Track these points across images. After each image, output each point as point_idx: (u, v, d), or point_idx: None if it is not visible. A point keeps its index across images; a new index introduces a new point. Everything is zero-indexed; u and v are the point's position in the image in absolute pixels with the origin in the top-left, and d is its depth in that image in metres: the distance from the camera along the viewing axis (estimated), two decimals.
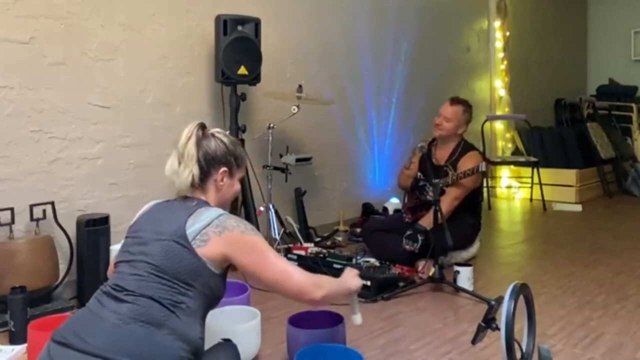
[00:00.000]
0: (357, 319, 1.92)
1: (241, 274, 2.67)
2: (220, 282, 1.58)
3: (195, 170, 1.63)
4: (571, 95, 7.32)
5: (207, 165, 1.66)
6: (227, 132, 1.78)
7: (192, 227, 1.52)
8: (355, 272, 1.86)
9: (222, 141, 1.70)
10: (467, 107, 3.41)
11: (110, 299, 1.45)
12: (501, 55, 6.22)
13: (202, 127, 1.69)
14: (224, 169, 1.68)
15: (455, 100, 3.41)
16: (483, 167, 3.11)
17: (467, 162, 3.30)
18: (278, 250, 3.37)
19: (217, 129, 1.74)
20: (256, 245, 1.56)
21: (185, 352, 1.44)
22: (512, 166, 6.09)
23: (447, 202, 3.20)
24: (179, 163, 1.65)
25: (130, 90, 3.20)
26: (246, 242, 1.55)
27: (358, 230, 4.06)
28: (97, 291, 1.52)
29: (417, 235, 3.12)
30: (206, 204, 1.63)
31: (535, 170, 5.66)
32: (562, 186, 5.77)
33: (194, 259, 1.49)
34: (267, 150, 3.53)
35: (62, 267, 2.84)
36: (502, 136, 6.29)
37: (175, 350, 1.42)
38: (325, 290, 1.60)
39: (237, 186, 1.75)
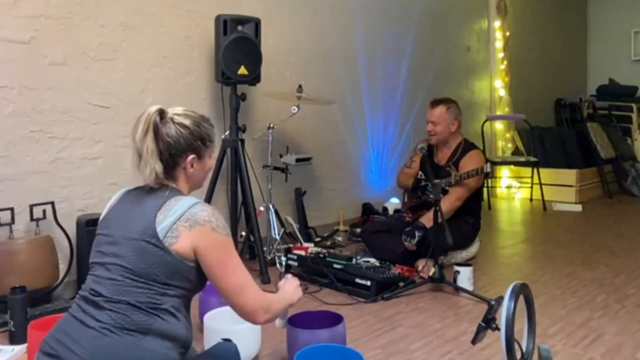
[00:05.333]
0: (283, 323, 1.95)
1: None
2: (199, 272, 1.51)
3: (158, 167, 1.49)
4: (571, 95, 7.32)
5: (171, 157, 1.52)
6: (188, 111, 1.59)
7: (163, 223, 1.43)
8: (296, 282, 1.84)
9: (183, 125, 1.53)
10: (449, 103, 3.41)
11: (90, 305, 1.40)
12: (501, 55, 6.22)
13: (160, 113, 1.52)
14: (191, 156, 1.55)
15: (435, 102, 3.42)
16: (488, 167, 3.13)
17: (469, 161, 3.31)
18: (278, 250, 3.37)
19: (177, 110, 1.57)
20: (224, 247, 1.48)
21: (174, 350, 1.42)
22: (512, 166, 6.10)
23: (449, 202, 3.20)
24: (139, 157, 1.50)
25: (130, 90, 3.21)
26: (215, 240, 1.46)
27: (358, 230, 4.06)
28: (77, 295, 1.47)
29: (414, 232, 3.13)
30: (177, 191, 1.53)
31: (535, 170, 5.66)
32: (562, 186, 5.77)
33: (169, 257, 1.42)
34: (267, 150, 3.53)
35: (62, 267, 2.84)
36: (502, 136, 6.29)
37: (163, 351, 1.39)
38: (270, 315, 1.56)
39: (210, 164, 1.64)
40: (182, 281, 1.45)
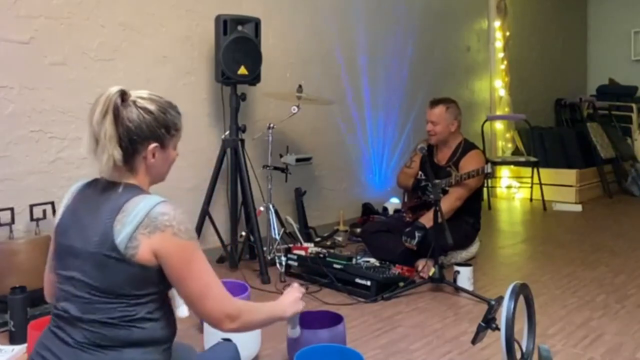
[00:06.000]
0: (295, 332, 1.86)
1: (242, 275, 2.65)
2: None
3: (117, 154, 1.33)
4: (571, 95, 7.32)
5: (132, 144, 1.36)
6: (154, 95, 1.43)
7: (121, 233, 1.29)
8: (298, 294, 1.69)
9: (147, 110, 1.37)
10: (449, 103, 3.42)
11: (65, 323, 1.34)
12: (501, 55, 6.22)
13: (122, 94, 1.36)
14: (153, 144, 1.39)
15: (434, 102, 3.42)
16: (488, 168, 3.13)
17: (469, 161, 3.32)
18: (278, 250, 3.37)
19: (141, 93, 1.41)
20: (186, 252, 1.35)
21: (157, 352, 1.37)
22: (512, 166, 6.10)
23: (449, 202, 3.20)
24: (96, 143, 1.34)
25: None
26: (176, 245, 1.32)
27: (358, 230, 4.06)
28: (53, 309, 1.40)
29: (414, 232, 3.13)
30: (135, 190, 1.37)
31: (535, 170, 5.66)
32: (562, 186, 5.77)
33: (132, 268, 1.30)
34: (267, 150, 3.53)
35: None
36: (502, 136, 6.29)
37: (145, 357, 1.34)
38: (239, 324, 1.41)
39: (173, 154, 1.48)
40: (152, 287, 1.35)
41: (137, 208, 1.31)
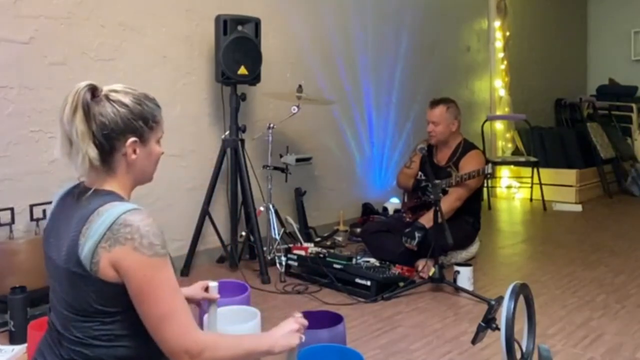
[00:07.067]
0: None
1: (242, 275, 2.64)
2: None
3: (92, 152, 1.23)
4: (571, 95, 7.32)
5: (107, 141, 1.25)
6: (128, 88, 1.33)
7: (85, 246, 1.18)
8: (295, 325, 1.43)
9: (121, 103, 1.27)
10: (449, 103, 3.42)
11: (54, 335, 1.29)
12: (501, 55, 6.22)
13: (92, 89, 1.27)
14: (132, 139, 1.28)
15: (435, 103, 3.43)
16: (489, 169, 3.13)
17: (469, 161, 3.32)
18: (278, 250, 3.37)
19: (115, 87, 1.31)
20: (147, 270, 1.18)
21: None
22: (512, 166, 6.10)
23: (449, 202, 3.20)
24: (70, 144, 1.25)
25: None
26: (136, 262, 1.18)
27: (358, 230, 4.06)
28: (47, 315, 1.36)
29: (414, 233, 3.13)
30: (106, 196, 1.25)
31: (535, 170, 5.66)
32: (562, 186, 5.77)
33: (97, 284, 1.19)
34: (267, 150, 3.53)
35: None
36: (502, 136, 6.29)
37: None
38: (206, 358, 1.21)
39: (158, 150, 1.36)
40: (125, 304, 1.22)
41: (101, 219, 1.19)
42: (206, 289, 1.63)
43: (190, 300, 1.54)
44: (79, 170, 1.27)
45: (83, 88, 1.25)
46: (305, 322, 1.46)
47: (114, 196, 1.27)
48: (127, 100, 1.29)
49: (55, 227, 1.30)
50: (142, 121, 1.30)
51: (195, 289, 1.63)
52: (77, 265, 1.19)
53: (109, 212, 1.20)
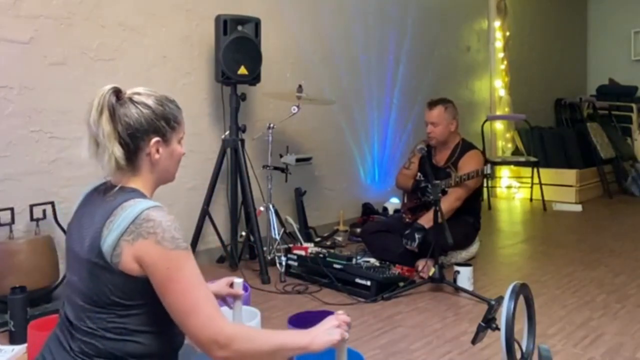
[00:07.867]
0: None
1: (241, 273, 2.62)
2: None
3: (118, 152, 1.29)
4: (571, 95, 7.32)
5: (132, 140, 1.31)
6: (150, 90, 1.39)
7: (107, 239, 1.23)
8: (335, 322, 1.35)
9: (144, 105, 1.33)
10: (446, 103, 3.42)
11: (65, 329, 1.31)
12: (501, 55, 6.23)
13: (116, 92, 1.33)
14: (155, 139, 1.34)
15: (432, 103, 3.42)
16: (488, 169, 3.14)
17: (468, 161, 3.32)
18: (278, 250, 3.37)
19: (137, 89, 1.37)
20: (171, 263, 1.23)
21: None
22: (512, 166, 6.10)
23: (449, 202, 3.20)
24: (97, 145, 1.31)
25: None
26: (160, 255, 1.22)
27: (358, 230, 4.06)
28: (60, 309, 1.37)
29: (414, 234, 3.13)
30: (131, 193, 1.31)
31: (535, 170, 5.66)
32: (562, 186, 5.78)
33: (119, 278, 1.23)
34: (267, 150, 3.53)
35: (62, 267, 2.83)
36: (502, 136, 6.29)
37: None
38: (231, 353, 1.22)
39: (179, 150, 1.42)
40: (141, 298, 1.26)
41: (124, 213, 1.24)
42: (231, 285, 1.66)
43: (215, 296, 1.56)
44: (106, 170, 1.32)
45: (108, 91, 1.31)
46: (348, 319, 1.39)
47: (138, 193, 1.32)
48: (149, 101, 1.35)
49: (79, 221, 1.35)
50: (164, 121, 1.36)
51: (220, 285, 1.66)
52: (99, 256, 1.23)
53: (133, 207, 1.25)
